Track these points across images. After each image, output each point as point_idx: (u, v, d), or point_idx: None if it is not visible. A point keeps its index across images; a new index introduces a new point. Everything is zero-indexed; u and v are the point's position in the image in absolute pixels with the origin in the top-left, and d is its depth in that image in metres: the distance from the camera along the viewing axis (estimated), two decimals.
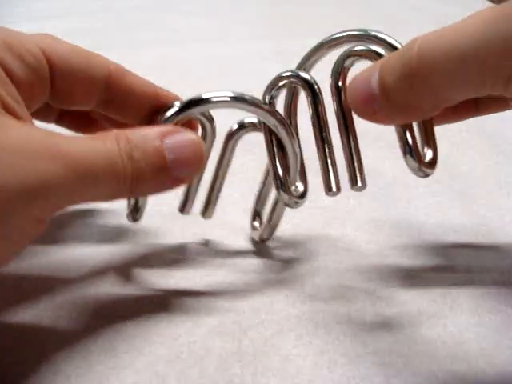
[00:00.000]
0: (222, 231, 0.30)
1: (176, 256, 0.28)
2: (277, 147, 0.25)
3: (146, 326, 0.24)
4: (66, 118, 0.28)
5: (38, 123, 0.26)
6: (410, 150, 0.23)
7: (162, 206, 0.31)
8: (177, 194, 0.28)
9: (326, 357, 0.23)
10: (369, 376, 0.22)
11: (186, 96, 0.24)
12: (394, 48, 0.23)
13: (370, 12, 0.69)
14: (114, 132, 0.21)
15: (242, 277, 0.27)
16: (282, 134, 0.25)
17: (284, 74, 0.25)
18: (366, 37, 0.24)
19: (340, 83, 0.24)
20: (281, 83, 0.25)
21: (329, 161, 0.24)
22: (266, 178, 0.28)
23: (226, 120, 0.27)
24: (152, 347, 0.23)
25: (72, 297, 0.25)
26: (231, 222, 0.31)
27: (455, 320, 0.24)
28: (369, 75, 0.21)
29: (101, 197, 0.21)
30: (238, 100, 0.24)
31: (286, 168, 0.25)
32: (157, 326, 0.24)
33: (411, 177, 0.23)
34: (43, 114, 0.27)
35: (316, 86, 0.24)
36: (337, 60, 0.24)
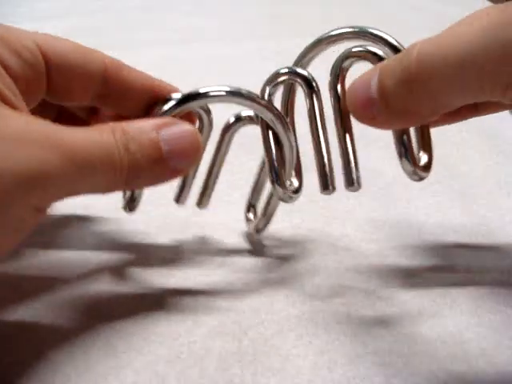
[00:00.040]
0: (221, 231, 0.30)
1: (176, 256, 0.28)
2: (273, 141, 0.25)
3: (146, 326, 0.24)
4: (63, 118, 0.28)
5: None
6: (405, 154, 0.23)
7: (162, 205, 0.31)
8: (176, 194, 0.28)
9: (326, 357, 0.23)
10: (369, 376, 0.22)
11: None
12: (391, 45, 0.23)
13: (370, 12, 0.69)
14: (110, 124, 0.21)
15: (241, 277, 0.27)
16: (279, 128, 0.25)
17: (281, 71, 0.25)
18: (362, 34, 0.24)
19: (338, 84, 0.24)
20: (278, 80, 0.25)
21: (325, 159, 0.24)
22: (261, 171, 0.29)
23: (223, 112, 0.27)
24: (152, 347, 0.23)
25: (71, 297, 0.25)
26: (231, 222, 0.31)
27: (455, 320, 0.24)
28: (368, 79, 0.22)
29: (98, 188, 0.21)
30: (235, 94, 0.24)
31: (281, 162, 0.25)
32: (156, 326, 0.24)
33: None
34: (40, 113, 0.27)
35: (314, 83, 0.25)
36: (335, 61, 0.24)
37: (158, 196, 0.30)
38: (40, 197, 0.19)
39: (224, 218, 0.31)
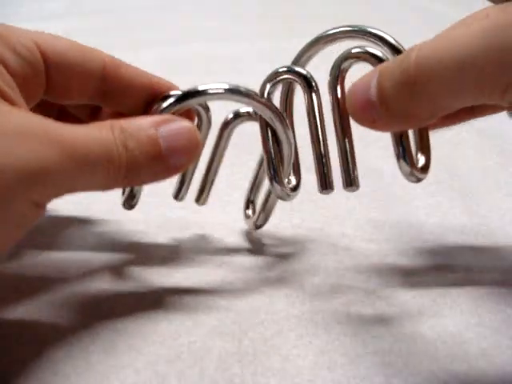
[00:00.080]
0: (221, 231, 0.30)
1: (175, 255, 0.28)
2: (272, 139, 0.25)
3: (146, 326, 0.24)
4: (63, 119, 0.28)
5: None
6: (403, 155, 0.23)
7: (161, 205, 0.31)
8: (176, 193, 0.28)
9: (326, 357, 0.23)
10: (369, 376, 0.22)
11: None
12: (389, 45, 0.23)
13: (370, 12, 0.69)
14: (109, 121, 0.21)
15: (241, 276, 0.27)
16: (277, 125, 0.25)
17: (280, 70, 0.25)
18: (360, 33, 0.24)
19: (338, 85, 0.24)
20: (277, 79, 0.25)
21: (323, 158, 0.24)
22: (259, 167, 0.29)
23: (222, 109, 0.27)
24: (152, 347, 0.23)
25: (71, 296, 0.25)
26: (230, 222, 0.31)
27: (455, 320, 0.24)
28: (367, 82, 0.22)
29: (97, 185, 0.21)
30: (234, 92, 0.24)
31: (280, 160, 0.25)
32: (157, 326, 0.24)
33: None
34: (40, 114, 0.27)
35: (314, 82, 0.25)
36: (334, 62, 0.24)
37: (157, 196, 0.30)
38: (40, 192, 0.19)
39: (224, 217, 0.31)
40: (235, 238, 0.30)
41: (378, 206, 0.32)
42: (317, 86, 0.25)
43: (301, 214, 0.31)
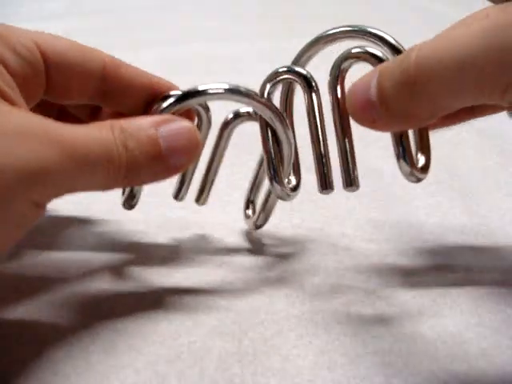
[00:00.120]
0: (221, 231, 0.30)
1: (175, 255, 0.28)
2: (272, 139, 0.25)
3: (146, 326, 0.24)
4: (63, 120, 0.28)
5: None
6: (403, 155, 0.23)
7: (161, 205, 0.31)
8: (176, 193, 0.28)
9: (326, 357, 0.23)
10: (369, 376, 0.22)
11: None
12: (389, 44, 0.23)
13: (370, 12, 0.69)
14: (109, 121, 0.21)
15: (241, 277, 0.27)
16: (277, 125, 0.25)
17: (280, 70, 0.25)
18: (360, 33, 0.24)
19: (338, 85, 0.24)
20: (277, 79, 0.25)
21: (323, 158, 0.24)
22: (259, 167, 0.29)
23: (222, 109, 0.27)
24: (152, 347, 0.23)
25: (71, 297, 0.25)
26: (230, 222, 0.31)
27: (455, 320, 0.24)
28: (367, 82, 0.22)
29: (97, 185, 0.21)
30: (234, 92, 0.24)
31: (280, 160, 0.25)
32: (157, 326, 0.24)
33: None
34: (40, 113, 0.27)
35: (314, 82, 0.25)
36: (334, 62, 0.24)
37: (157, 196, 0.30)
38: (40, 192, 0.19)
39: (224, 217, 0.31)
40: (235, 238, 0.30)
41: (378, 205, 0.32)
42: (317, 86, 0.25)
43: (301, 213, 0.31)
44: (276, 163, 0.25)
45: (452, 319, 0.24)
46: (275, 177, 0.25)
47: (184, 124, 0.22)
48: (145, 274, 0.27)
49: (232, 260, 0.28)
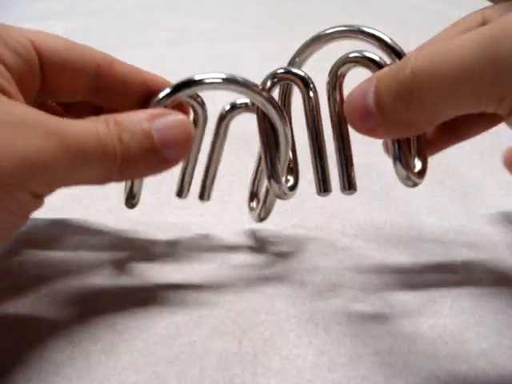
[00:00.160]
0: (222, 230, 0.30)
1: (176, 256, 0.28)
2: (269, 135, 0.25)
3: (146, 326, 0.24)
4: None
5: None
6: (400, 159, 0.23)
7: (161, 205, 0.31)
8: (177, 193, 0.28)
9: (326, 357, 0.23)
10: (369, 376, 0.22)
11: None
12: (386, 44, 0.23)
13: (370, 12, 0.69)
14: (104, 116, 0.21)
15: (241, 276, 0.27)
16: (274, 116, 0.25)
17: (278, 71, 0.25)
18: (356, 32, 0.24)
19: (336, 90, 0.24)
20: (275, 80, 0.25)
21: (321, 160, 0.24)
22: (260, 160, 0.28)
23: (219, 107, 0.27)
24: (152, 347, 0.23)
25: (71, 297, 0.25)
26: (231, 222, 0.31)
27: (455, 320, 0.24)
28: (365, 90, 0.22)
29: (93, 178, 0.21)
30: (230, 82, 0.24)
31: (276, 151, 0.25)
32: (157, 326, 0.24)
33: None
34: None
35: (311, 83, 0.25)
36: (332, 67, 0.24)
37: (158, 196, 0.30)
38: (38, 183, 0.20)
39: (224, 217, 0.31)
40: (235, 238, 0.30)
41: (378, 205, 0.32)
42: (314, 87, 0.25)
43: (301, 213, 0.31)
44: (274, 160, 0.25)
45: (452, 319, 0.24)
46: (273, 175, 0.25)
47: (177, 117, 0.22)
48: (145, 273, 0.27)
49: (232, 260, 0.28)
